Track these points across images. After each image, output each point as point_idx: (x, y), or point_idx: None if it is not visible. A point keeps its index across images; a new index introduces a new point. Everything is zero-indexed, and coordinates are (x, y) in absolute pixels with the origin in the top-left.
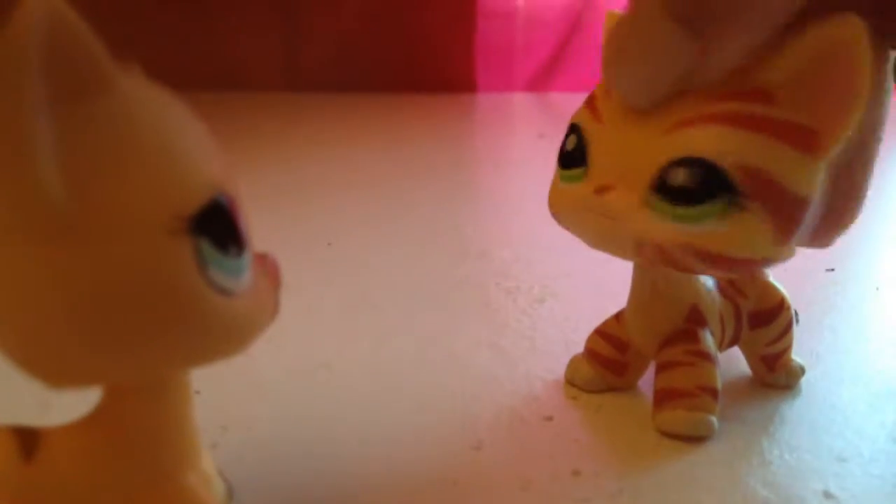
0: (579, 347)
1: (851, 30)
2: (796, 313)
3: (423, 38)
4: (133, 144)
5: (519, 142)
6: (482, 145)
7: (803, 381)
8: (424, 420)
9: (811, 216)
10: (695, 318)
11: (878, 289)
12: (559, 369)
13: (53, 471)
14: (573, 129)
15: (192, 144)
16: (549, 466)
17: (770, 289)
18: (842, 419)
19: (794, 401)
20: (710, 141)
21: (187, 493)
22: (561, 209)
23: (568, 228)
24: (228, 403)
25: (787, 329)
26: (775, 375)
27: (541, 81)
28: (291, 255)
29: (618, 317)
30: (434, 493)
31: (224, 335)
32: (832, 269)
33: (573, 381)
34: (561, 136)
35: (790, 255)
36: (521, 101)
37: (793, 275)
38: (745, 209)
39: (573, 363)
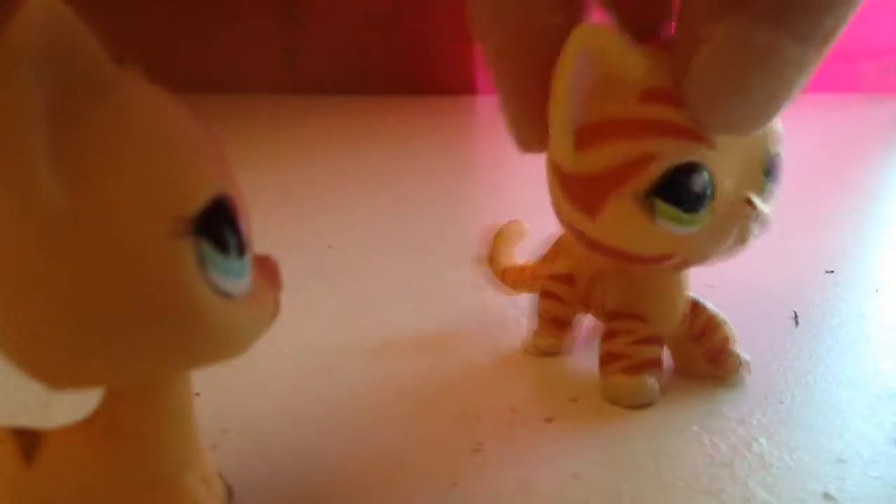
0: (579, 349)
1: None
2: (796, 315)
3: (423, 40)
4: (133, 146)
5: None
6: (482, 147)
7: (802, 383)
8: (424, 422)
9: None
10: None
11: (877, 291)
12: (559, 371)
13: (54, 472)
14: (695, 168)
15: (193, 146)
16: (549, 468)
17: None
18: (841, 421)
19: (794, 403)
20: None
21: (187, 495)
22: (713, 245)
23: (712, 259)
24: (229, 405)
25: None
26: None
27: None
28: (292, 257)
29: (638, 320)
30: (434, 495)
31: (224, 337)
32: (832, 271)
33: (645, 402)
34: None
35: None
36: None
37: (792, 276)
38: None
39: (632, 386)
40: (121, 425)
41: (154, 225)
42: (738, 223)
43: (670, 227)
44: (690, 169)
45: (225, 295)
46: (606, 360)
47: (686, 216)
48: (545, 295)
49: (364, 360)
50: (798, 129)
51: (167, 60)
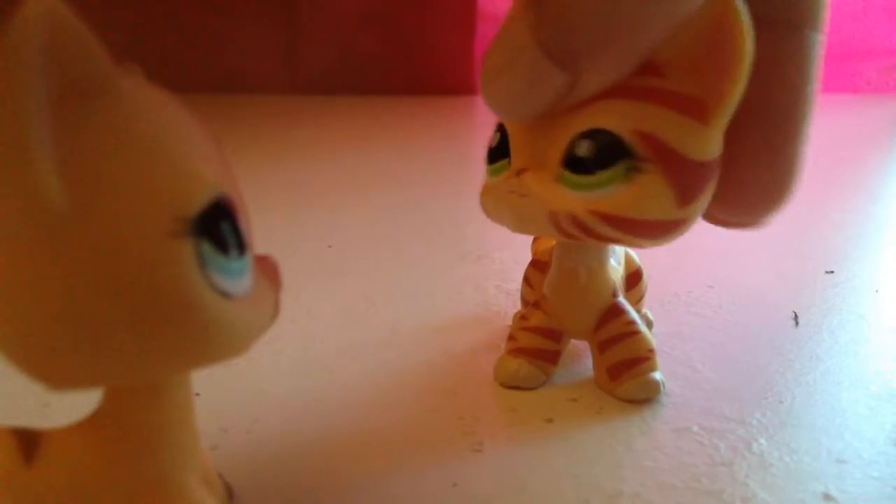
0: (579, 349)
1: (730, 7)
2: (796, 315)
3: (423, 40)
4: (133, 146)
5: None
6: (482, 147)
7: (802, 383)
8: (425, 422)
9: (712, 184)
10: (615, 293)
11: (877, 291)
12: (560, 371)
13: (54, 472)
14: (499, 127)
15: (193, 146)
16: (549, 469)
17: (629, 256)
18: (841, 421)
19: (794, 403)
20: (608, 113)
21: (187, 495)
22: (486, 198)
23: (491, 215)
24: (228, 405)
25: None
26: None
27: None
28: (292, 257)
29: (539, 308)
30: (434, 495)
31: (224, 337)
32: (832, 272)
33: (515, 384)
34: None
35: (694, 220)
36: None
37: (792, 277)
38: (645, 172)
39: (506, 366)
40: (121, 425)
41: (154, 225)
42: (505, 190)
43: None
44: (497, 127)
45: (225, 295)
46: (507, 339)
47: (486, 164)
48: (524, 278)
49: (364, 360)
50: None
51: (167, 60)
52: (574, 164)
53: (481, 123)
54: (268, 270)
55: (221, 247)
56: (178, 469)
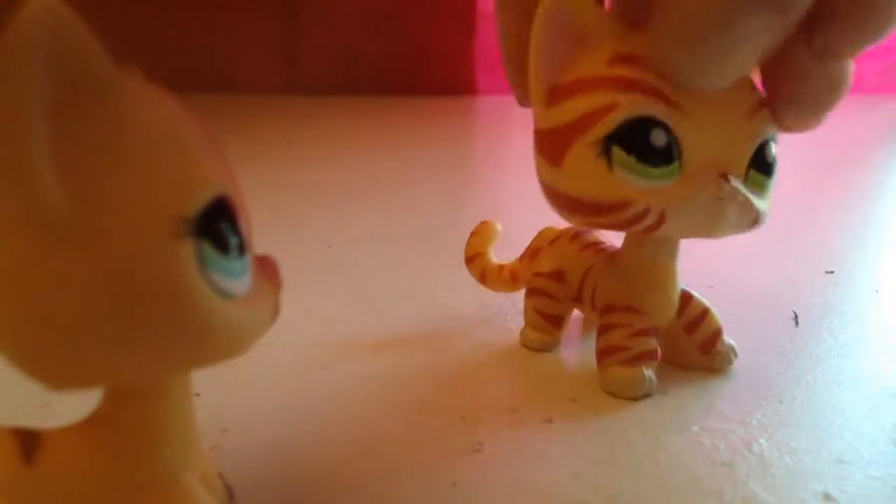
0: (578, 348)
1: None
2: (796, 315)
3: (423, 41)
4: (134, 146)
5: (518, 144)
6: (482, 147)
7: (802, 383)
8: (424, 422)
9: None
10: None
11: (877, 291)
12: (559, 371)
13: (54, 472)
14: (655, 123)
15: (193, 146)
16: (549, 469)
17: None
18: (841, 421)
19: (794, 403)
20: (770, 124)
21: (187, 495)
22: (676, 205)
23: (677, 228)
24: (229, 405)
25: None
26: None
27: None
28: (292, 257)
29: (635, 312)
30: (434, 495)
31: (224, 337)
32: (832, 272)
33: (648, 392)
34: None
35: None
36: None
37: (792, 277)
38: None
39: (637, 379)
40: (121, 425)
41: (154, 226)
42: (708, 196)
43: (626, 176)
44: (651, 123)
45: (225, 295)
46: (605, 352)
47: (641, 167)
48: (535, 293)
49: (364, 360)
50: None
51: (167, 60)
52: (765, 167)
53: (481, 123)
54: (268, 270)
55: (221, 247)
56: (178, 469)
